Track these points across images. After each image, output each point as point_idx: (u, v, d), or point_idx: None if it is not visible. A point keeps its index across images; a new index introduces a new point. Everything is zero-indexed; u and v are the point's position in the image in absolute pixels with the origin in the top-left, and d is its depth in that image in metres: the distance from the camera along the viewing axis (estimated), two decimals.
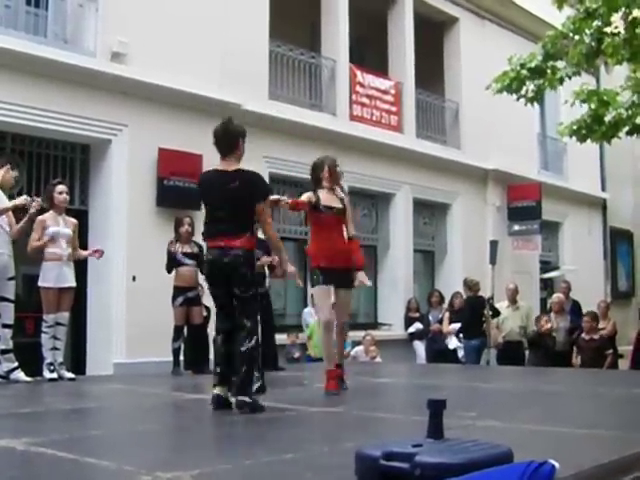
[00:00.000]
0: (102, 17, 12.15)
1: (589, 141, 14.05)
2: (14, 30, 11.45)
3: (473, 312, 14.82)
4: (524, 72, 12.87)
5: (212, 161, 12.98)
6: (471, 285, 15.21)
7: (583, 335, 13.60)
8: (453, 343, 14.85)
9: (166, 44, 12.55)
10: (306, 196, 8.04)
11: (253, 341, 6.35)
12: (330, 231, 7.98)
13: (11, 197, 9.36)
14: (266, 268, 10.23)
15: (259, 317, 10.53)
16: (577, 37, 12.65)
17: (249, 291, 6.44)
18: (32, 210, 8.87)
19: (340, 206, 8.05)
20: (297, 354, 14.10)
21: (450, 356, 14.86)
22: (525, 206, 19.84)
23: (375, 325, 16.97)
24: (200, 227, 10.59)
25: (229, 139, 6.72)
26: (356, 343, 14.95)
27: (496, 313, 14.76)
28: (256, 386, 6.85)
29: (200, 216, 12.03)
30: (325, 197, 8.01)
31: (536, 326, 14.18)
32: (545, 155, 22.54)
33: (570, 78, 13.02)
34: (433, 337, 15.50)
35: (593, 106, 13.41)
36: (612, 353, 13.54)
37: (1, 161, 9.19)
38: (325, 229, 7.99)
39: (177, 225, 10.82)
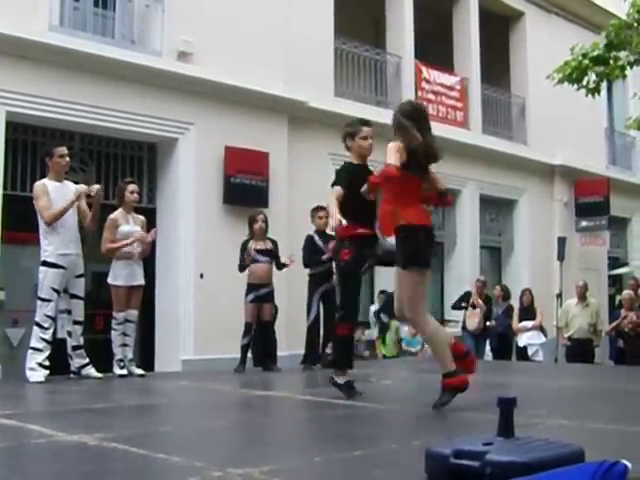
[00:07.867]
0: (168, 17, 12.32)
1: None
2: (82, 31, 11.65)
3: None
4: (586, 62, 12.62)
5: (278, 158, 13.18)
6: None
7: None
8: (523, 340, 14.63)
9: (231, 43, 12.65)
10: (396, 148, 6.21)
11: None
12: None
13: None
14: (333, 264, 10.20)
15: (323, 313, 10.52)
16: None
17: None
18: (94, 195, 8.80)
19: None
20: (366, 352, 14.12)
21: (521, 353, 14.70)
22: (593, 202, 19.61)
23: (442, 322, 16.86)
24: (273, 223, 10.64)
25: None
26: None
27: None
28: None
29: (269, 212, 12.16)
30: None
31: None
32: (613, 150, 22.26)
33: (632, 67, 12.77)
34: (491, 334, 15.07)
35: None
36: None
37: (48, 148, 9.03)
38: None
39: (251, 222, 10.36)
